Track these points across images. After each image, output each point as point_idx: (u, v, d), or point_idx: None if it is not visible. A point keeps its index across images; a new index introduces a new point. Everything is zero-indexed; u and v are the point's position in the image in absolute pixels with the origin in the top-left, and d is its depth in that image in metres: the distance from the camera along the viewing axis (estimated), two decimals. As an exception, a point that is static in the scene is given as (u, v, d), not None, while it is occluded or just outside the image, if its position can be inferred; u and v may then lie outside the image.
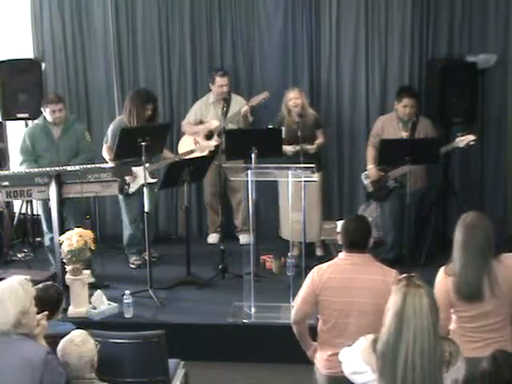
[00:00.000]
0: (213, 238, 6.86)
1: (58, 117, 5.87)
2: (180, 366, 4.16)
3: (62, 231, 5.30)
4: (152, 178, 5.98)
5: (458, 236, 3.41)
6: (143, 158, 5.45)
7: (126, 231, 6.33)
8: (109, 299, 5.29)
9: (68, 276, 5.16)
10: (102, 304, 5.21)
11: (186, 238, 5.88)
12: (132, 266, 6.30)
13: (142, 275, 5.77)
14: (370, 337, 2.85)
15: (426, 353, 2.66)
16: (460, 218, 3.47)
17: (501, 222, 6.43)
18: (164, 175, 5.72)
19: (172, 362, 4.00)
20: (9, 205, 6.83)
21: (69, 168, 5.49)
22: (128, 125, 5.93)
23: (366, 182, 6.22)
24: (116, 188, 5.68)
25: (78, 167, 5.48)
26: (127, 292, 5.22)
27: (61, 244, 5.13)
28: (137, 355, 3.77)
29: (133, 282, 5.75)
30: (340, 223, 3.79)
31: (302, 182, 5.16)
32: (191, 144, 6.49)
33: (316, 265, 3.73)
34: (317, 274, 3.59)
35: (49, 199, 5.44)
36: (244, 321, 5.12)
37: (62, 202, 5.43)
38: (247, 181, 5.33)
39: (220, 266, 5.93)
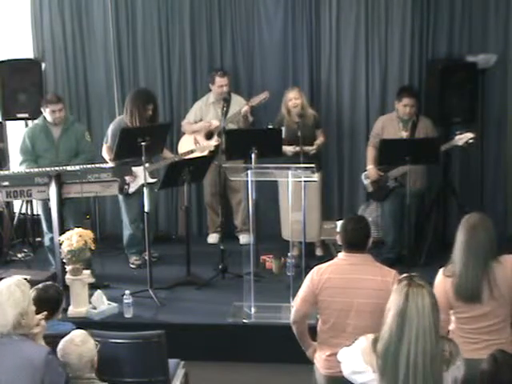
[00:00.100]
0: (213, 238, 6.86)
1: (57, 117, 5.88)
2: (180, 366, 4.16)
3: (62, 231, 5.31)
4: (152, 177, 5.98)
5: (460, 237, 3.41)
6: (143, 158, 5.45)
7: (126, 231, 6.33)
8: (109, 299, 5.29)
9: (68, 276, 5.15)
10: (102, 304, 5.21)
11: (186, 238, 5.88)
12: (132, 265, 6.30)
13: (142, 275, 5.77)
14: (371, 336, 2.85)
15: (428, 352, 2.66)
16: (462, 218, 3.47)
17: (502, 223, 6.44)
18: (164, 175, 5.71)
19: (172, 362, 3.99)
20: (9, 205, 6.83)
21: (69, 168, 5.49)
22: (129, 125, 5.93)
23: (366, 182, 6.22)
24: (116, 188, 5.68)
25: (77, 167, 5.48)
26: (127, 292, 5.21)
27: (61, 244, 5.12)
28: (137, 355, 3.77)
29: (133, 282, 5.75)
30: (340, 223, 3.79)
31: (302, 182, 5.16)
32: (191, 144, 6.49)
33: (316, 265, 3.73)
34: (316, 274, 3.60)
35: (49, 199, 5.44)
36: (244, 321, 5.12)
37: (61, 202, 5.43)
38: (247, 181, 5.33)
39: (220, 266, 5.93)
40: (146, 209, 5.56)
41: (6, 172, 5.72)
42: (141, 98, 6.02)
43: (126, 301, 5.18)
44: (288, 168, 5.21)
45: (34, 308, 3.17)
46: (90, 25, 7.00)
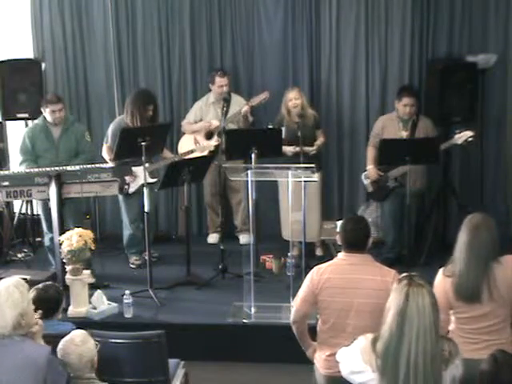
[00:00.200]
0: (213, 238, 6.86)
1: (57, 117, 5.88)
2: (180, 366, 4.15)
3: (62, 231, 5.31)
4: (152, 177, 5.98)
5: (462, 236, 3.41)
6: (143, 158, 5.45)
7: (126, 231, 6.33)
8: (109, 299, 5.29)
9: (68, 276, 5.15)
10: (102, 304, 5.21)
11: (186, 238, 5.88)
12: (132, 265, 6.30)
13: (142, 275, 5.77)
14: (370, 336, 2.85)
15: (428, 352, 2.66)
16: (465, 218, 3.47)
17: (503, 224, 6.43)
18: (164, 175, 5.71)
19: (172, 361, 3.99)
20: (9, 205, 6.83)
21: (69, 168, 5.49)
22: (130, 125, 5.93)
23: (366, 182, 6.22)
24: (116, 188, 5.68)
25: (77, 167, 5.48)
26: (127, 292, 5.21)
27: (61, 244, 5.12)
28: (137, 355, 3.77)
29: (133, 282, 5.75)
30: (339, 223, 3.79)
31: (302, 182, 5.16)
32: (191, 144, 6.49)
33: (316, 265, 3.73)
34: (316, 274, 3.60)
35: (49, 199, 5.44)
36: (244, 321, 5.12)
37: (61, 202, 5.43)
38: (247, 181, 5.33)
39: (220, 266, 5.93)
40: (146, 209, 5.56)
41: (6, 172, 5.72)
42: (141, 99, 6.02)
43: (125, 301, 5.18)
44: (288, 168, 5.21)
45: (33, 307, 3.17)
46: (90, 25, 7.00)
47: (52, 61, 7.06)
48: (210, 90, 6.61)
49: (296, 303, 3.69)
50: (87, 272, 5.26)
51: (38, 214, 6.45)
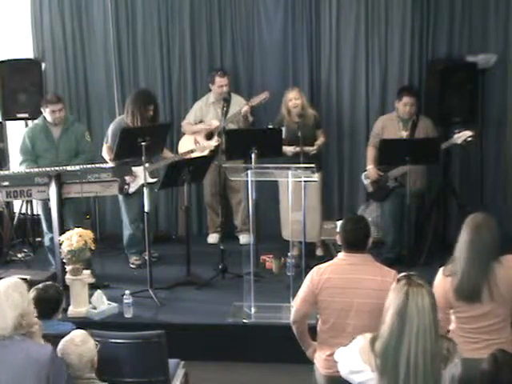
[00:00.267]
0: (213, 238, 6.86)
1: (57, 117, 5.88)
2: (180, 366, 4.15)
3: (62, 231, 5.30)
4: (152, 177, 5.98)
5: (463, 236, 3.41)
6: (143, 158, 5.45)
7: (126, 231, 6.33)
8: (109, 299, 5.29)
9: (68, 276, 5.15)
10: (102, 304, 5.21)
11: (186, 238, 5.88)
12: (132, 265, 6.30)
13: (142, 275, 5.77)
14: (369, 336, 2.85)
15: (428, 351, 2.66)
16: (466, 218, 3.47)
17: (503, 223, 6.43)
18: (164, 175, 5.71)
19: (172, 361, 3.99)
20: (9, 205, 6.83)
21: (69, 168, 5.48)
22: (130, 125, 5.93)
23: (366, 182, 6.22)
24: (116, 188, 5.68)
25: (77, 167, 5.48)
26: (127, 292, 5.21)
27: (61, 244, 5.12)
28: (137, 355, 3.77)
29: (133, 282, 5.75)
30: (339, 223, 3.79)
31: (302, 182, 5.16)
32: (191, 144, 6.49)
33: (316, 265, 3.73)
34: (316, 274, 3.60)
35: (49, 199, 5.44)
36: (244, 321, 5.12)
37: (61, 202, 5.43)
38: (247, 181, 5.33)
39: (220, 266, 5.93)
40: (146, 209, 5.55)
41: (6, 172, 5.72)
42: (142, 99, 6.02)
43: (125, 301, 5.18)
44: (288, 168, 5.21)
45: (33, 307, 3.17)
46: (90, 25, 7.00)
47: (52, 61, 7.06)
48: (210, 90, 6.61)
49: (296, 303, 3.69)
50: (87, 272, 5.25)
51: (38, 214, 6.45)
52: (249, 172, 5.25)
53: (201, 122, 6.63)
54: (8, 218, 6.75)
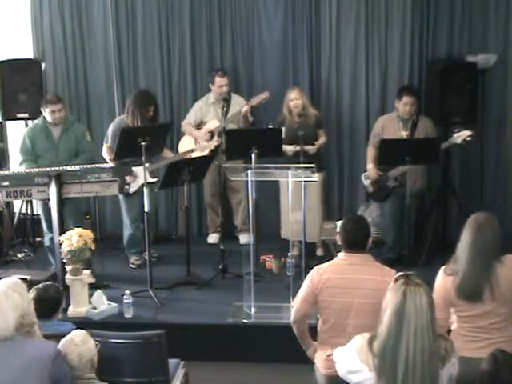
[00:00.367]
0: (213, 238, 6.86)
1: (57, 117, 5.88)
2: (180, 366, 4.15)
3: (62, 231, 5.30)
4: (153, 177, 5.98)
5: (466, 235, 3.41)
6: (143, 158, 5.45)
7: (126, 231, 6.33)
8: (109, 299, 5.29)
9: (68, 276, 5.15)
10: (102, 304, 5.20)
11: (186, 238, 5.88)
12: (132, 265, 6.30)
13: (142, 275, 5.77)
14: (366, 335, 2.86)
15: (426, 350, 2.66)
16: (469, 217, 3.47)
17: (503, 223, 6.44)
18: (164, 175, 5.71)
19: (172, 362, 3.99)
20: (9, 205, 6.83)
21: (69, 168, 5.48)
22: (130, 125, 5.93)
23: (366, 182, 6.22)
24: (116, 188, 5.68)
25: (77, 167, 5.48)
26: (127, 292, 5.21)
27: (61, 244, 5.12)
28: (137, 355, 3.76)
29: (133, 282, 5.75)
30: (339, 223, 3.79)
31: (302, 182, 5.16)
32: (191, 144, 6.49)
33: (316, 265, 3.73)
34: (316, 274, 3.60)
35: (49, 199, 5.44)
36: (244, 321, 5.12)
37: (61, 202, 5.43)
38: (247, 181, 5.33)
39: (220, 266, 5.93)
40: (146, 209, 5.55)
41: (6, 172, 5.72)
42: (142, 100, 6.01)
43: (125, 301, 5.17)
44: (288, 168, 5.21)
45: (33, 307, 3.18)
46: (90, 25, 7.00)
47: (52, 61, 7.06)
48: (210, 90, 6.61)
49: (296, 303, 3.70)
50: (87, 272, 5.25)
51: (38, 214, 6.45)
52: (249, 172, 5.25)
53: (201, 121, 6.62)
54: (8, 218, 6.75)
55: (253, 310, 5.18)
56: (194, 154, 6.12)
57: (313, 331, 3.75)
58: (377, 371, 2.74)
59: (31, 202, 6.72)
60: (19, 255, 6.54)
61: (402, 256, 5.97)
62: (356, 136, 6.82)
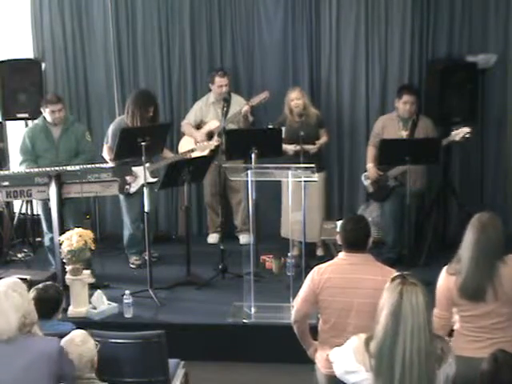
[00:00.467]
0: (213, 238, 6.86)
1: (57, 117, 5.88)
2: (180, 366, 4.15)
3: (62, 231, 5.30)
4: (153, 177, 5.98)
5: (469, 235, 3.41)
6: (143, 158, 5.45)
7: (127, 231, 6.33)
8: (109, 299, 5.29)
9: (68, 276, 5.15)
10: (102, 304, 5.20)
11: (186, 238, 5.88)
12: (132, 265, 6.30)
13: (142, 275, 5.77)
14: (363, 336, 2.86)
15: (422, 350, 2.66)
16: (472, 217, 3.47)
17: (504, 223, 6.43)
18: (164, 175, 5.71)
19: (172, 361, 3.99)
20: (9, 205, 6.83)
21: (69, 168, 5.48)
22: (130, 126, 5.93)
23: (367, 183, 6.22)
24: (116, 188, 5.68)
25: (77, 167, 5.48)
26: (127, 292, 5.21)
27: (61, 244, 5.12)
28: (137, 355, 3.76)
29: (133, 282, 5.75)
30: (339, 223, 3.79)
31: (302, 182, 5.16)
32: (191, 144, 6.48)
33: (316, 265, 3.73)
34: (317, 274, 3.60)
35: (49, 199, 5.44)
36: (244, 321, 5.12)
37: (61, 202, 5.43)
38: (247, 181, 5.33)
39: (220, 266, 5.93)
40: (146, 209, 5.55)
41: (6, 172, 5.72)
42: (142, 100, 6.01)
43: (125, 301, 5.17)
44: (288, 168, 5.21)
45: (33, 305, 3.18)
46: (90, 25, 7.00)
47: (52, 61, 7.06)
48: (210, 90, 6.61)
49: (297, 303, 3.70)
50: (87, 272, 5.25)
51: (38, 214, 6.45)
52: (249, 172, 5.25)
53: (201, 121, 6.62)
54: (8, 218, 6.75)
55: (253, 309, 5.18)
56: (194, 154, 6.12)
57: (313, 331, 3.75)
58: (374, 372, 2.74)
59: (31, 202, 6.72)
60: (19, 255, 6.54)
61: (402, 256, 5.97)
62: (356, 136, 6.82)
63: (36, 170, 5.55)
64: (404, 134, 6.04)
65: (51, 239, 5.76)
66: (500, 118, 6.67)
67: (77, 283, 5.16)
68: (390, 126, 6.08)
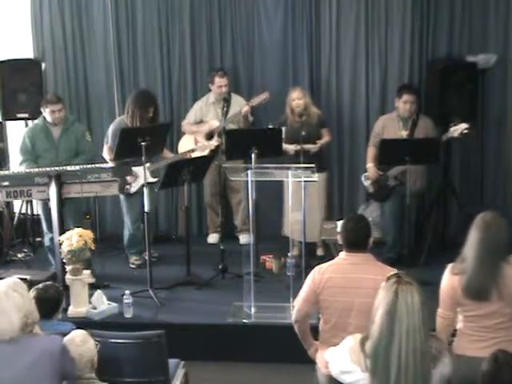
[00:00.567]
0: (213, 238, 6.86)
1: (57, 117, 5.88)
2: (180, 366, 4.15)
3: (62, 231, 5.30)
4: (153, 177, 5.98)
5: (473, 234, 3.41)
6: (143, 158, 5.45)
7: (127, 231, 6.33)
8: (109, 299, 5.28)
9: (68, 276, 5.15)
10: (102, 304, 5.20)
11: (186, 238, 5.88)
12: (132, 265, 6.30)
13: (142, 275, 5.77)
14: (358, 336, 2.86)
15: (418, 350, 2.67)
16: (476, 217, 3.47)
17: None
18: (164, 175, 5.71)
19: (172, 361, 3.99)
20: (9, 205, 6.83)
21: (69, 168, 5.48)
22: (130, 126, 5.93)
23: (367, 183, 6.22)
24: (116, 188, 5.68)
25: (77, 167, 5.48)
26: (127, 292, 5.21)
27: (61, 244, 5.12)
28: (137, 355, 3.76)
29: (133, 282, 5.75)
30: (340, 223, 3.80)
31: (302, 182, 5.16)
32: (191, 144, 6.49)
33: (317, 264, 3.73)
34: (317, 274, 3.61)
35: (49, 199, 5.43)
36: (244, 321, 5.12)
37: (61, 202, 5.43)
38: (247, 181, 5.33)
39: (220, 266, 5.93)
40: (146, 209, 5.55)
41: (6, 172, 5.72)
42: (142, 100, 6.01)
43: (126, 301, 5.17)
44: (288, 168, 5.21)
45: (34, 305, 3.19)
46: (90, 25, 7.00)
47: (52, 61, 7.06)
48: (210, 90, 6.61)
49: (298, 303, 3.70)
50: (87, 272, 5.25)
51: (38, 214, 6.45)
52: (249, 172, 5.25)
53: (201, 121, 6.62)
54: (8, 218, 6.75)
55: (253, 309, 5.18)
56: (194, 154, 6.12)
57: (314, 331, 3.75)
58: (370, 372, 2.74)
59: (31, 201, 6.72)
60: (19, 255, 6.54)
61: (402, 256, 5.97)
62: (356, 136, 6.82)
63: (36, 170, 5.55)
64: (404, 133, 6.04)
65: (51, 239, 5.76)
66: (500, 117, 6.67)
67: (77, 283, 5.16)
68: (390, 126, 6.08)
